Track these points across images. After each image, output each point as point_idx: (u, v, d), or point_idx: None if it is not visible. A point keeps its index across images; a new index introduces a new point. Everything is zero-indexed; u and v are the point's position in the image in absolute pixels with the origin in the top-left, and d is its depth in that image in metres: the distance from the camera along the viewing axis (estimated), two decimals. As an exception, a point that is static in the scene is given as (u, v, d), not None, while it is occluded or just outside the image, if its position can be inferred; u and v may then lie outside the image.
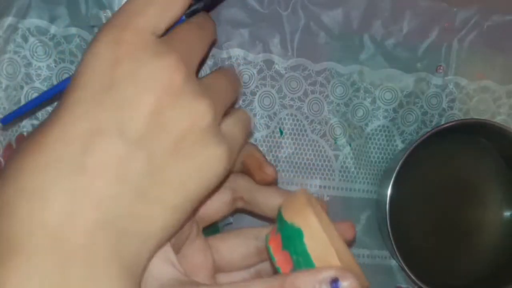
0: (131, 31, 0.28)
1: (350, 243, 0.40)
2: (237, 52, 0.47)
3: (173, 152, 0.28)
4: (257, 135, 0.47)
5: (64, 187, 0.25)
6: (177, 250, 0.36)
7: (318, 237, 0.31)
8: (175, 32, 0.30)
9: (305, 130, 0.48)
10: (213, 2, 0.36)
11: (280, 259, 0.33)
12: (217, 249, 0.39)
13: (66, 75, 0.44)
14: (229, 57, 0.47)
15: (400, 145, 0.50)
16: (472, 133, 0.48)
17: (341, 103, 0.49)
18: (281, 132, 0.48)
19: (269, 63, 0.47)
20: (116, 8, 0.44)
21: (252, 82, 0.47)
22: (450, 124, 0.46)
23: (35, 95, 0.44)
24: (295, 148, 0.48)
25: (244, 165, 0.39)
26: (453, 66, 0.50)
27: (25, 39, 0.43)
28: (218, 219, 0.40)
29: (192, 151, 0.29)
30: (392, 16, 0.49)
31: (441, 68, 0.50)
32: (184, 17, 0.32)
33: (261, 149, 0.47)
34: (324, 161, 0.48)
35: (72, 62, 0.44)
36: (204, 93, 0.29)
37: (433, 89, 0.50)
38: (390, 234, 0.44)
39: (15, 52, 0.43)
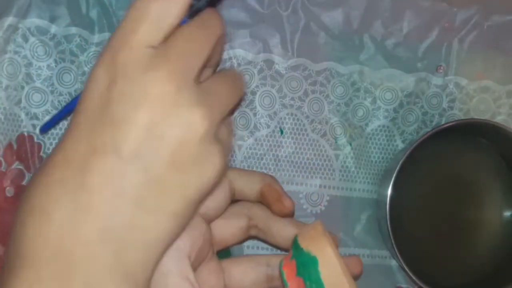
0: (125, 50, 0.29)
1: (356, 278, 0.41)
2: (237, 52, 0.47)
3: (170, 163, 0.29)
4: (258, 134, 0.47)
5: (66, 204, 0.28)
6: (194, 270, 0.37)
7: (332, 266, 0.33)
8: (171, 39, 0.30)
9: (306, 130, 0.48)
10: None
11: (293, 284, 0.35)
12: (229, 272, 0.40)
13: (66, 75, 0.44)
14: (230, 58, 0.47)
15: (400, 145, 0.50)
16: (472, 133, 0.48)
17: (342, 103, 0.49)
18: (282, 131, 0.48)
19: (269, 63, 0.47)
20: (115, 8, 0.45)
21: (252, 82, 0.47)
22: (450, 124, 0.46)
23: (35, 95, 0.44)
24: (296, 148, 0.48)
25: (262, 195, 0.40)
26: (453, 66, 0.50)
27: (26, 39, 0.43)
28: (232, 244, 0.41)
29: (189, 160, 0.29)
30: (392, 16, 0.49)
31: (441, 68, 0.50)
32: (186, 18, 0.31)
33: (261, 148, 0.48)
34: (325, 160, 0.49)
35: (72, 62, 0.44)
36: (200, 101, 0.30)
37: (433, 89, 0.50)
38: (390, 234, 0.44)
39: (16, 52, 0.43)
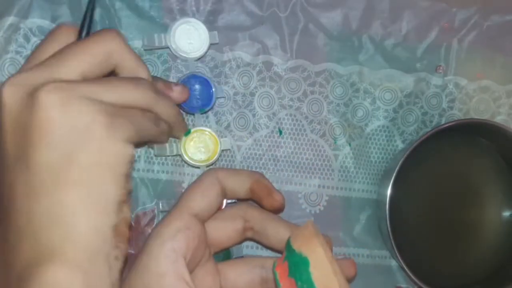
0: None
1: (350, 280, 0.41)
2: (237, 54, 0.47)
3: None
4: (257, 134, 0.48)
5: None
6: (190, 270, 0.37)
7: (323, 267, 0.34)
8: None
9: (305, 130, 0.48)
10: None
11: (285, 285, 0.36)
12: (224, 274, 0.41)
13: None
14: (229, 59, 0.47)
15: (400, 145, 0.50)
16: (472, 133, 0.48)
17: (341, 103, 0.49)
18: (280, 132, 0.48)
19: (268, 64, 0.48)
20: (117, 8, 0.45)
21: (251, 83, 0.48)
22: (450, 124, 0.46)
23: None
24: (294, 148, 0.48)
25: (252, 191, 0.42)
26: (452, 66, 0.50)
27: (27, 39, 0.44)
28: (228, 246, 0.42)
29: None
30: (391, 17, 0.49)
31: (441, 68, 0.50)
32: None
33: (260, 148, 0.48)
34: (324, 160, 0.49)
35: (73, 63, 0.45)
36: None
37: (433, 89, 0.50)
38: (390, 234, 0.44)
39: (17, 52, 0.44)
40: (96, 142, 0.30)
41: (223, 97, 0.47)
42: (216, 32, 0.46)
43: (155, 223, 0.46)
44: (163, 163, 0.46)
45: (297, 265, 0.35)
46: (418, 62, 0.49)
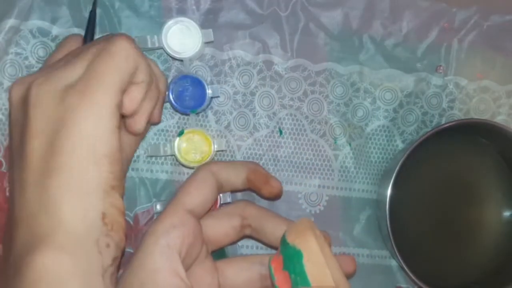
0: None
1: (350, 276, 0.42)
2: (237, 53, 0.47)
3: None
4: (257, 134, 0.48)
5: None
6: (186, 267, 0.37)
7: (316, 259, 0.34)
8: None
9: (305, 130, 0.48)
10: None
11: (280, 278, 0.36)
12: (223, 272, 0.41)
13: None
14: (229, 58, 0.47)
15: (400, 145, 0.50)
16: (472, 133, 0.48)
17: (341, 103, 0.49)
18: (281, 132, 0.48)
19: (268, 63, 0.48)
20: (116, 9, 0.45)
21: (251, 83, 0.48)
22: (450, 124, 0.46)
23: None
24: (295, 148, 0.48)
25: (249, 181, 0.42)
26: (453, 66, 0.50)
27: (27, 41, 0.44)
28: (226, 244, 0.42)
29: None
30: (392, 16, 0.49)
31: (441, 68, 0.50)
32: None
33: (260, 148, 0.48)
34: (324, 160, 0.49)
35: (73, 63, 0.45)
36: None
37: (433, 89, 0.50)
38: (390, 234, 0.44)
39: (17, 54, 0.44)
40: (76, 126, 0.32)
41: (218, 96, 0.47)
42: (211, 30, 0.45)
43: (155, 223, 0.46)
44: (162, 163, 0.46)
45: (291, 258, 0.35)
46: (418, 62, 0.49)
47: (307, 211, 0.49)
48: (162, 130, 0.46)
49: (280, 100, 0.48)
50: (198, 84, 0.45)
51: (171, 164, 0.46)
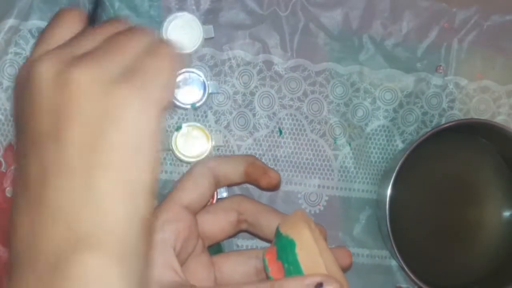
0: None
1: (346, 269, 0.42)
2: (237, 53, 0.47)
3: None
4: (257, 134, 0.48)
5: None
6: (181, 261, 0.37)
7: (309, 248, 0.34)
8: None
9: (305, 130, 0.48)
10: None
11: (274, 269, 0.36)
12: (219, 266, 0.41)
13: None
14: (229, 58, 0.47)
15: (400, 145, 0.50)
16: (472, 133, 0.48)
17: (341, 103, 0.49)
18: (280, 132, 0.48)
19: (268, 63, 0.48)
20: (116, 8, 0.45)
21: (251, 83, 0.47)
22: (450, 124, 0.46)
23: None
24: (295, 148, 0.48)
25: (246, 174, 0.42)
26: (453, 66, 0.50)
27: (26, 41, 0.44)
28: (222, 239, 0.42)
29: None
30: (392, 17, 0.49)
31: (441, 68, 0.50)
32: None
33: (260, 148, 0.48)
34: (324, 160, 0.49)
35: (73, 63, 0.44)
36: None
37: (433, 89, 0.50)
38: (390, 234, 0.44)
39: (16, 54, 0.44)
40: (127, 122, 0.29)
41: (217, 93, 0.47)
42: (211, 26, 0.45)
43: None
44: (162, 163, 0.46)
45: (284, 248, 0.35)
46: (418, 62, 0.49)
47: (307, 211, 0.48)
48: (161, 128, 0.46)
49: (280, 100, 0.48)
50: (197, 79, 0.45)
51: (170, 164, 0.46)
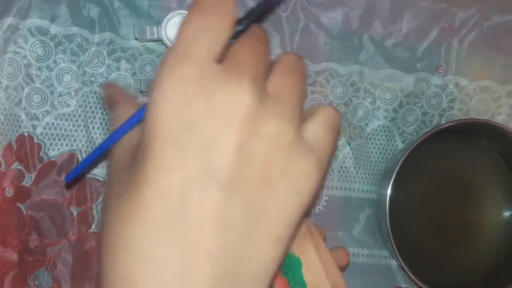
0: (191, 65, 0.26)
1: (344, 269, 0.42)
2: (237, 53, 0.47)
3: (265, 182, 0.26)
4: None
5: (173, 248, 0.25)
6: None
7: (315, 269, 0.34)
8: (232, 52, 0.28)
9: (305, 130, 0.48)
10: (257, 15, 0.32)
11: (279, 283, 0.36)
12: None
13: (66, 75, 0.44)
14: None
15: (400, 145, 0.50)
16: (472, 133, 0.48)
17: (341, 103, 0.49)
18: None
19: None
20: (116, 8, 0.45)
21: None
22: (450, 124, 0.46)
23: (35, 95, 0.44)
24: (295, 148, 0.48)
25: None
26: (453, 66, 0.50)
27: (26, 40, 0.43)
28: None
29: (282, 173, 0.26)
30: (392, 16, 0.49)
31: (441, 68, 0.50)
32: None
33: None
34: (324, 161, 0.48)
35: (73, 62, 0.44)
36: (280, 109, 0.27)
37: (433, 89, 0.50)
38: (390, 234, 0.44)
39: (16, 53, 0.43)
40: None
41: None
42: None
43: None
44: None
45: (290, 266, 0.35)
46: (418, 62, 0.49)
47: (307, 211, 0.48)
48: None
49: (280, 100, 0.48)
50: None
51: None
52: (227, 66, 0.27)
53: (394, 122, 0.49)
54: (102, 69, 0.45)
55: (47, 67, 0.44)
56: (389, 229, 0.44)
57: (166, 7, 0.46)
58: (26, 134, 0.44)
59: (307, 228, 0.36)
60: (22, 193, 0.44)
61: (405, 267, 0.44)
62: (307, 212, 0.30)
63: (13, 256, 0.43)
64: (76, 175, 0.38)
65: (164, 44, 0.45)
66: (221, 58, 0.27)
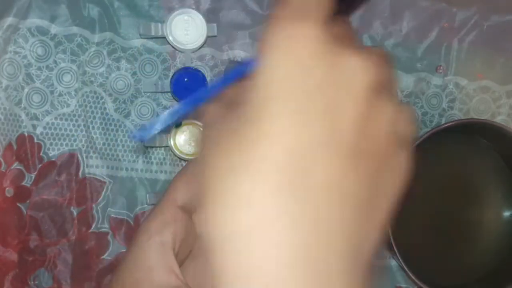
0: (307, 28, 0.25)
1: None
2: (237, 53, 0.47)
3: (381, 159, 0.25)
4: (257, 135, 0.47)
5: (285, 214, 0.23)
6: (180, 262, 0.37)
7: None
8: (338, 30, 0.27)
9: (305, 130, 0.48)
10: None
11: None
12: None
13: (66, 75, 0.44)
14: (229, 58, 0.47)
15: (400, 145, 0.50)
16: (472, 133, 0.48)
17: (341, 103, 0.49)
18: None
19: (268, 63, 0.47)
20: (115, 8, 0.45)
21: (251, 82, 0.47)
22: (450, 124, 0.46)
23: (35, 95, 0.44)
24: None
25: None
26: (453, 66, 0.50)
27: (26, 39, 0.44)
28: None
29: (393, 154, 0.26)
30: (392, 17, 0.49)
31: (441, 68, 0.50)
32: None
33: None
34: (324, 161, 0.48)
35: (73, 62, 0.44)
36: (390, 92, 0.27)
37: (433, 89, 0.50)
38: (390, 234, 0.44)
39: (16, 53, 0.43)
40: None
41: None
42: (215, 25, 0.45)
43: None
44: (161, 163, 0.46)
45: None
46: (418, 62, 0.49)
47: (307, 211, 0.48)
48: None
49: (280, 100, 0.48)
50: (197, 76, 0.45)
51: (170, 164, 0.46)
52: (342, 37, 0.26)
53: (394, 122, 0.49)
54: (102, 69, 0.45)
55: (47, 67, 0.44)
56: (389, 229, 0.44)
57: (166, 7, 0.46)
58: (26, 134, 0.44)
59: None
60: (22, 193, 0.44)
61: (405, 267, 0.44)
62: None
63: (13, 256, 0.43)
64: (158, 129, 0.36)
65: (167, 42, 0.45)
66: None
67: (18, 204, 0.44)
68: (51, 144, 0.44)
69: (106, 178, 0.45)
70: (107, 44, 0.45)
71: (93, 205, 0.45)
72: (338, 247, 0.24)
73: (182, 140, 0.45)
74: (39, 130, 0.44)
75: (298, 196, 0.23)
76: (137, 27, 0.45)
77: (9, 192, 0.43)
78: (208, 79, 0.46)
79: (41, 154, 0.44)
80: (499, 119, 0.50)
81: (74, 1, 0.44)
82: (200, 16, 0.44)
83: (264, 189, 0.23)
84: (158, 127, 0.32)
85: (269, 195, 0.23)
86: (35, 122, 0.44)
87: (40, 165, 0.44)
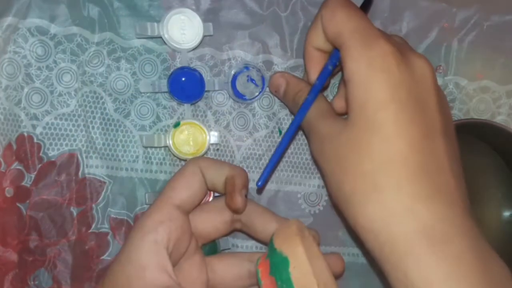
0: (386, 41, 0.36)
1: (339, 275, 0.41)
2: (236, 53, 0.47)
3: (451, 121, 0.40)
4: (256, 134, 0.47)
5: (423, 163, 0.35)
6: (174, 262, 0.37)
7: (303, 267, 0.34)
8: (395, 39, 0.40)
9: (305, 130, 0.48)
10: None
11: (266, 283, 0.36)
12: (212, 267, 0.41)
13: (66, 75, 0.44)
14: (229, 58, 0.47)
15: (400, 145, 0.50)
16: (472, 133, 0.48)
17: (341, 103, 0.49)
18: (280, 132, 0.48)
19: (268, 64, 0.48)
20: (115, 7, 0.45)
21: (251, 83, 0.47)
22: (450, 124, 0.46)
23: (35, 95, 0.44)
24: (294, 148, 0.48)
25: (225, 185, 0.40)
26: (453, 66, 0.50)
27: (25, 39, 0.44)
28: (216, 237, 0.42)
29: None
30: (392, 16, 0.49)
31: (441, 68, 0.50)
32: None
33: (260, 148, 0.48)
34: (324, 161, 0.48)
35: (73, 62, 0.44)
36: None
37: (433, 89, 0.50)
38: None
39: (15, 52, 0.43)
40: None
41: (215, 90, 0.46)
42: (210, 24, 0.45)
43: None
44: (161, 163, 0.46)
45: (277, 264, 0.35)
46: (418, 62, 0.49)
47: (307, 211, 0.48)
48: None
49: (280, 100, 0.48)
50: (195, 75, 0.45)
51: (169, 164, 0.46)
52: (399, 44, 0.38)
53: (394, 122, 0.49)
54: (102, 69, 0.45)
55: (47, 67, 0.44)
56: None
57: (166, 7, 0.46)
58: (26, 134, 0.44)
59: (299, 230, 0.36)
60: (22, 193, 0.44)
61: (405, 267, 0.44)
62: None
63: (13, 256, 0.43)
64: (266, 178, 0.41)
65: (164, 42, 0.45)
66: None
67: (18, 204, 0.44)
68: (50, 144, 0.44)
69: (106, 178, 0.45)
70: (107, 44, 0.45)
71: (93, 205, 0.45)
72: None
73: (180, 140, 0.45)
74: (38, 130, 0.44)
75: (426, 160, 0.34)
76: (135, 28, 0.45)
77: (9, 192, 0.43)
78: (207, 79, 0.46)
79: (40, 154, 0.44)
80: (499, 119, 0.50)
81: (74, 1, 0.44)
82: (197, 16, 0.44)
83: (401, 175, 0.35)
84: (269, 169, 0.41)
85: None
86: (34, 122, 0.44)
87: (39, 165, 0.44)
